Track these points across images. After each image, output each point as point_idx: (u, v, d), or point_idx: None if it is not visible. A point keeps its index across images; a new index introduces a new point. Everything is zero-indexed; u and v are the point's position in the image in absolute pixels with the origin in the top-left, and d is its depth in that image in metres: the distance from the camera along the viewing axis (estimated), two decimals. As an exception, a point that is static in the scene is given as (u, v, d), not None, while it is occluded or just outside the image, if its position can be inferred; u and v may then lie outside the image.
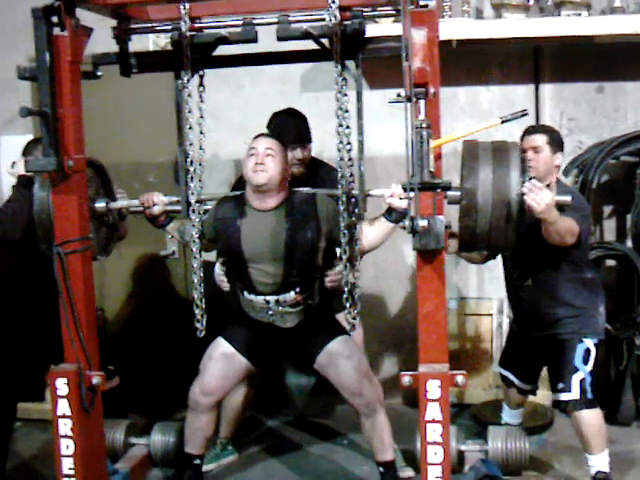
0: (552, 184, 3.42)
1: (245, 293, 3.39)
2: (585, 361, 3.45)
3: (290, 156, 3.52)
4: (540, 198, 2.95)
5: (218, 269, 3.55)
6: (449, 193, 2.79)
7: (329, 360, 3.40)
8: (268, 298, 3.33)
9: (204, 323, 3.40)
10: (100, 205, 3.39)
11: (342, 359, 3.38)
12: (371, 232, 3.30)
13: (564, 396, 3.43)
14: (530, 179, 2.93)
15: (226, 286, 3.53)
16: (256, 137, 3.36)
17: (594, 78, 4.58)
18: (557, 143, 3.60)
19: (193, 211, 3.33)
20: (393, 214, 3.25)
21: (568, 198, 3.15)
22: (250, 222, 3.32)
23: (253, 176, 3.25)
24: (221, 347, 3.48)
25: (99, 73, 3.26)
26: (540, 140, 3.54)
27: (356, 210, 3.23)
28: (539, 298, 3.56)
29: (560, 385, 3.46)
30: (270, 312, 3.35)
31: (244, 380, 3.71)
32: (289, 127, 3.61)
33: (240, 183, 3.63)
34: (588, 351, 3.47)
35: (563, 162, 3.81)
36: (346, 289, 3.19)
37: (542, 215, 3.04)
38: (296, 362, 3.88)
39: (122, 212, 3.55)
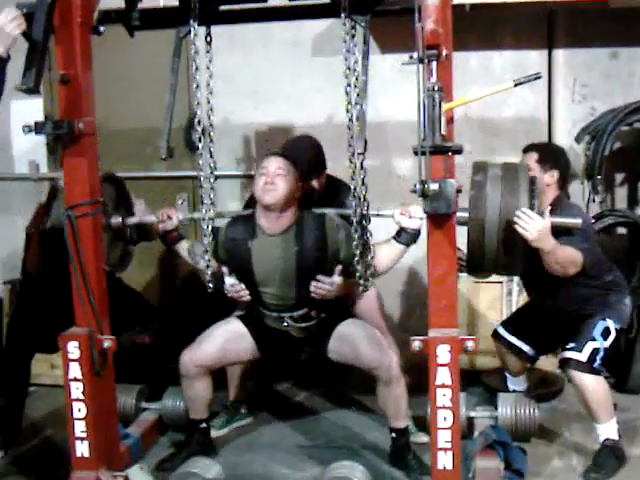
0: (546, 212, 3.11)
1: (259, 307, 3.43)
2: (604, 337, 3.43)
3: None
4: (531, 226, 2.89)
5: (229, 281, 3.41)
6: (458, 214, 2.76)
7: (341, 342, 3.41)
8: (282, 315, 3.39)
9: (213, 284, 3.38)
10: (116, 221, 3.41)
11: (353, 336, 3.38)
12: (381, 255, 3.23)
13: (570, 354, 3.40)
14: (531, 204, 2.85)
15: (246, 294, 3.42)
16: (267, 156, 3.35)
17: (608, 43, 4.52)
18: (550, 160, 3.49)
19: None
20: (403, 235, 3.19)
21: (579, 221, 3.11)
22: (260, 245, 3.32)
23: (262, 195, 3.26)
24: (233, 324, 3.51)
25: (102, 29, 3.14)
26: (530, 159, 3.45)
27: (367, 233, 3.15)
28: (562, 307, 3.59)
29: (571, 344, 3.44)
30: (284, 324, 3.41)
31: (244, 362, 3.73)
32: (303, 159, 3.52)
33: (252, 200, 3.58)
34: (608, 330, 3.45)
35: (575, 129, 3.76)
36: (358, 252, 3.14)
37: (536, 244, 2.99)
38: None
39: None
